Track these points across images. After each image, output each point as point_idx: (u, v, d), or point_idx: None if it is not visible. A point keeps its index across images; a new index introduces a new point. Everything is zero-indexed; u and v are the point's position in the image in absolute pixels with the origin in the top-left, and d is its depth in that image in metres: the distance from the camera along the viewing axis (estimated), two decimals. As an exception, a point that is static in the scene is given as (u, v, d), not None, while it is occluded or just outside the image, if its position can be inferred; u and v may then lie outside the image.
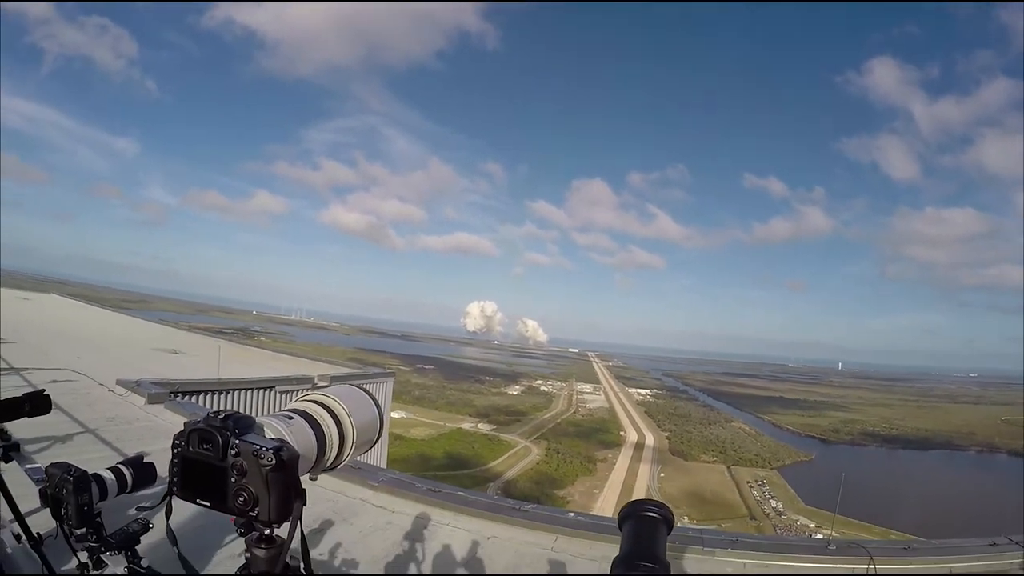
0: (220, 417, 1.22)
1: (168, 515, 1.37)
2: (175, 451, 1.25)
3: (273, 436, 1.26)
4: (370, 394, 1.56)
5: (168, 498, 1.29)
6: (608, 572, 1.10)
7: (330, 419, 1.40)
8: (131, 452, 7.27)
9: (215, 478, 1.20)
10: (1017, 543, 5.87)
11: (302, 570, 1.36)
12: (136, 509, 2.22)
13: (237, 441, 1.18)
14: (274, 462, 1.15)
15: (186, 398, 10.87)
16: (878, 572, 5.76)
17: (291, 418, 1.35)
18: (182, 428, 1.25)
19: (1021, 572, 5.54)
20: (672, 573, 1.10)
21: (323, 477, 1.49)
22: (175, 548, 1.61)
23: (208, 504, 1.22)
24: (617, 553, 1.16)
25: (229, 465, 1.18)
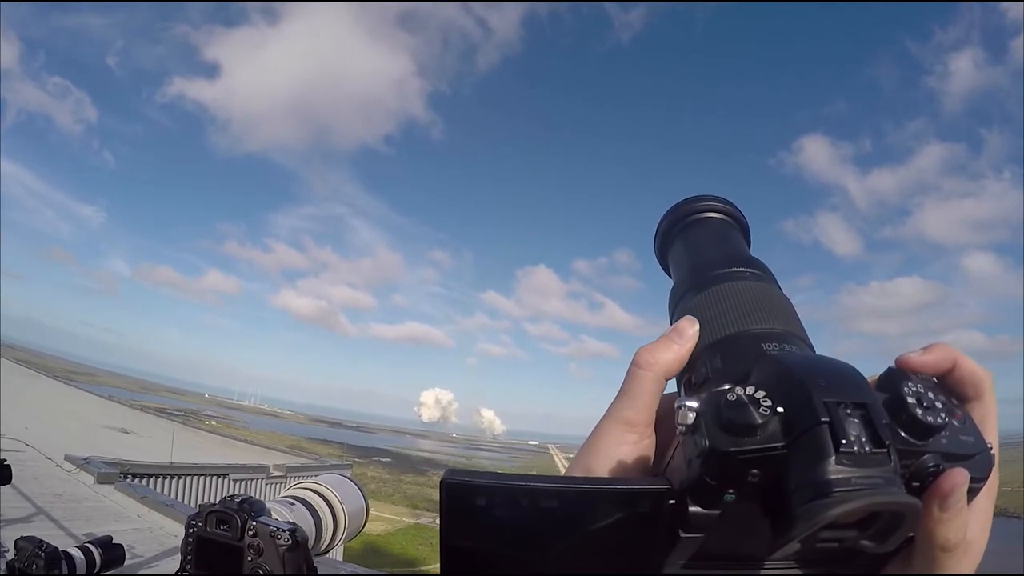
0: (237, 500, 1.29)
1: None
2: (190, 531, 1.30)
3: (280, 519, 1.34)
4: (358, 485, 1.68)
5: None
6: None
7: (325, 506, 1.52)
8: (80, 532, 7.19)
9: (230, 558, 1.25)
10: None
11: None
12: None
13: (254, 523, 1.25)
14: (290, 542, 1.23)
15: (137, 480, 10.71)
16: None
17: (292, 504, 1.46)
18: (197, 510, 1.32)
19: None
20: None
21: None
22: None
23: None
24: None
25: (246, 545, 1.24)
